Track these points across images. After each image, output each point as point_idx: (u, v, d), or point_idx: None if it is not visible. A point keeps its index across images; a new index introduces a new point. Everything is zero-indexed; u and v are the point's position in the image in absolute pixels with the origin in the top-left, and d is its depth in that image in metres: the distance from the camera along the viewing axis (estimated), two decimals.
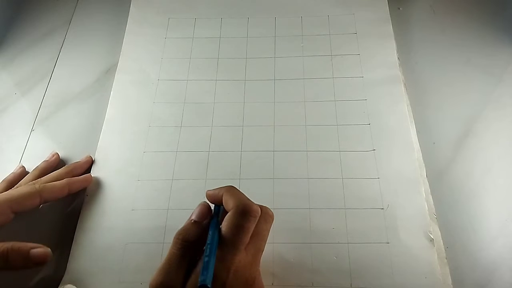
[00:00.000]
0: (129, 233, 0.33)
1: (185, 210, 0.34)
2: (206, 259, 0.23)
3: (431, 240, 0.32)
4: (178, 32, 0.44)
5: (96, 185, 0.36)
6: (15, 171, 0.36)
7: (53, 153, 0.38)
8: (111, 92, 0.40)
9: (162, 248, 0.33)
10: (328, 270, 0.31)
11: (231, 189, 0.28)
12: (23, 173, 0.36)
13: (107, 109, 0.39)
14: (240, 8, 0.46)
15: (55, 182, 0.33)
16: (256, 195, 0.34)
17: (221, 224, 0.26)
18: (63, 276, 0.31)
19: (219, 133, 0.38)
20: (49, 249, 0.28)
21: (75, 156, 0.38)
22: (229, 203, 0.27)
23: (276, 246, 0.32)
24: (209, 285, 0.22)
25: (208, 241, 0.25)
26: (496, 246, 0.32)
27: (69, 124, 0.40)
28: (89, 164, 0.37)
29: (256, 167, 0.36)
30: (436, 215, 0.33)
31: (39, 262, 0.28)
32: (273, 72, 0.41)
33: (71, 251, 0.32)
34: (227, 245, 0.24)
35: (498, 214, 0.33)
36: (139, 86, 0.41)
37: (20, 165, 0.37)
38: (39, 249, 0.28)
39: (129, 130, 0.38)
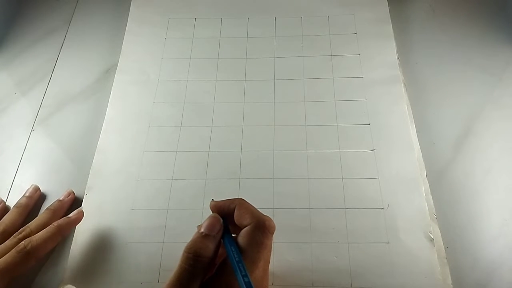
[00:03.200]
0: (129, 233, 0.33)
1: (185, 210, 0.34)
2: (246, 279, 0.22)
3: (431, 240, 0.32)
4: (178, 32, 0.44)
5: (96, 185, 0.36)
6: None
7: (34, 187, 0.35)
8: (111, 92, 0.40)
9: (162, 248, 0.32)
10: (328, 270, 0.31)
11: (244, 203, 0.27)
12: (3, 209, 0.34)
13: (107, 109, 0.39)
14: (240, 8, 0.46)
15: (44, 235, 0.30)
16: (256, 195, 0.34)
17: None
18: (63, 276, 0.31)
19: (219, 133, 0.38)
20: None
21: (73, 159, 0.38)
22: (245, 217, 0.26)
23: (276, 246, 0.32)
24: None
25: (236, 259, 0.24)
26: (496, 246, 0.32)
27: (69, 124, 0.40)
28: (72, 201, 0.35)
29: (256, 167, 0.36)
30: (436, 215, 0.33)
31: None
32: (273, 72, 0.41)
33: (71, 251, 0.32)
34: (247, 262, 0.24)
35: (498, 214, 0.33)
36: (139, 86, 0.41)
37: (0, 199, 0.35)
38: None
39: (129, 130, 0.38)
